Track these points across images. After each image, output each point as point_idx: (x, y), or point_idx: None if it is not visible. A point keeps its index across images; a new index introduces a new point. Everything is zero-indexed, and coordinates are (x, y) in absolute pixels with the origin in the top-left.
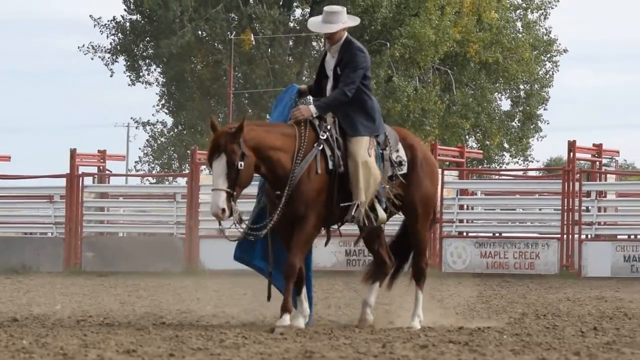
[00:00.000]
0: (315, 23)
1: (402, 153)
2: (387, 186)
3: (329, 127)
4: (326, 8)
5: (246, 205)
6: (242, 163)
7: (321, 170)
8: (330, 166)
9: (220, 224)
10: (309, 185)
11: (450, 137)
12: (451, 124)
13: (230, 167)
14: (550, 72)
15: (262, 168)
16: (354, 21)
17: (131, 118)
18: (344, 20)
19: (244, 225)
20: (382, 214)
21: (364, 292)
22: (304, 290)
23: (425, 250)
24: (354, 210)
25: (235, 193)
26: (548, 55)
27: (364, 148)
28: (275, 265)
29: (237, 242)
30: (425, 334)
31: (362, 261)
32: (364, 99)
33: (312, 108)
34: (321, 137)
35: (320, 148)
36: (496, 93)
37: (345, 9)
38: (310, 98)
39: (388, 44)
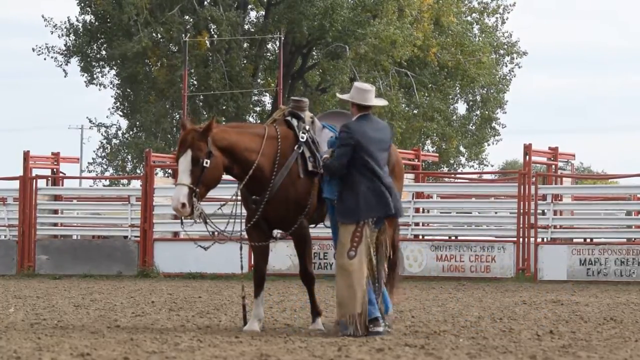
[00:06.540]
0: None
1: None
2: None
3: (307, 127)
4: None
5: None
6: (208, 161)
7: (302, 174)
8: (310, 167)
9: (182, 223)
10: (292, 190)
11: (418, 141)
12: (417, 128)
13: (194, 164)
14: (508, 76)
15: (235, 169)
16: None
17: (86, 117)
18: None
19: (209, 227)
20: None
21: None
22: (262, 294)
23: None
24: None
25: (198, 190)
26: (509, 58)
27: None
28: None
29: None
30: (382, 337)
31: (317, 264)
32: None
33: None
34: (301, 139)
35: (300, 151)
36: (453, 97)
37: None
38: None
39: (347, 47)
